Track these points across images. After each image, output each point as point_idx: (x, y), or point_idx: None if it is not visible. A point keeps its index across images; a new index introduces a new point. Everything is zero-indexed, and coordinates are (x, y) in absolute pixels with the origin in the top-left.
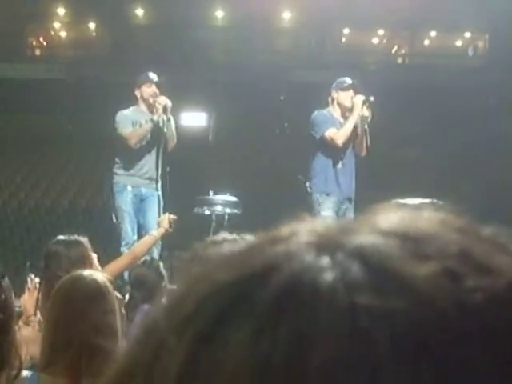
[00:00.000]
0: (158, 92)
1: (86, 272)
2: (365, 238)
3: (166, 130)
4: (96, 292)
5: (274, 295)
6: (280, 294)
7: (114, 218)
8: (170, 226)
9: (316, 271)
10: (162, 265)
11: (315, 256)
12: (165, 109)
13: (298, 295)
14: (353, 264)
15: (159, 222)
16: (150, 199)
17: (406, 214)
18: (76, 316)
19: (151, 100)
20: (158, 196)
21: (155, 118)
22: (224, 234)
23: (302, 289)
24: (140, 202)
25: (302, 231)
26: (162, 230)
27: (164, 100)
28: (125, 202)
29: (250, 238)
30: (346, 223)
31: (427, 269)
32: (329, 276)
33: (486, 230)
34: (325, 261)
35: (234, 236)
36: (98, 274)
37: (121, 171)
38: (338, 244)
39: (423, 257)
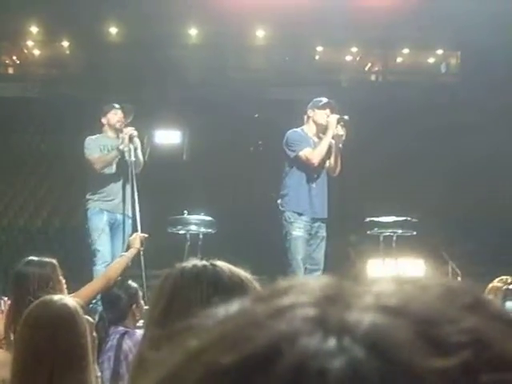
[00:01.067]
0: (122, 117)
1: (56, 297)
2: (373, 318)
3: (134, 158)
4: (66, 317)
5: (280, 383)
6: (286, 383)
7: (89, 239)
8: (142, 245)
9: (323, 359)
10: (134, 285)
11: (321, 340)
12: (131, 138)
13: None
14: (362, 351)
15: (130, 241)
16: (120, 226)
17: (408, 284)
18: (46, 342)
19: (118, 125)
20: (129, 223)
21: (121, 147)
22: (194, 261)
23: (308, 379)
24: (112, 227)
25: (302, 303)
26: (133, 250)
27: (130, 130)
28: (102, 222)
29: (220, 263)
30: (348, 292)
31: (442, 363)
32: (337, 365)
33: (493, 305)
34: (331, 345)
35: (204, 262)
36: (68, 298)
37: (95, 197)
38: (345, 324)
39: (437, 345)
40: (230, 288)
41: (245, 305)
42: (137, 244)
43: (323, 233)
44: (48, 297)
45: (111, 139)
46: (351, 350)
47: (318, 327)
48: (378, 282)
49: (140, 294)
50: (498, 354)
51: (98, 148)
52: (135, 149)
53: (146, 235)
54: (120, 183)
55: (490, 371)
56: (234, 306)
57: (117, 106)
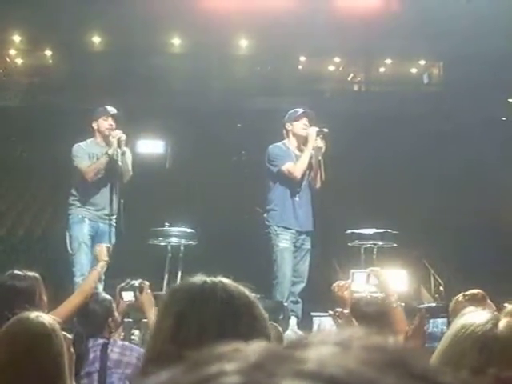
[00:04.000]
0: (114, 125)
1: (33, 315)
2: None
3: (120, 163)
4: (42, 335)
5: None
6: None
7: (69, 248)
8: (109, 256)
9: None
10: (108, 297)
11: None
12: (119, 142)
13: None
14: None
15: (98, 255)
16: (105, 235)
17: (336, 349)
18: (22, 360)
19: (107, 133)
20: (113, 232)
21: (110, 151)
22: (201, 277)
23: None
24: (95, 236)
25: (228, 371)
26: (103, 263)
27: (118, 133)
28: (82, 233)
29: (227, 281)
30: (276, 358)
31: None
32: None
33: (416, 361)
34: None
35: (213, 279)
36: (45, 316)
37: (78, 204)
38: None
39: None
40: (241, 306)
41: (173, 374)
42: (104, 256)
43: (308, 245)
44: (25, 314)
45: (101, 147)
46: None
47: None
48: (306, 345)
49: (114, 306)
50: None
51: (86, 155)
52: (123, 153)
53: (109, 245)
54: (105, 191)
55: None
56: (164, 375)
57: (109, 109)
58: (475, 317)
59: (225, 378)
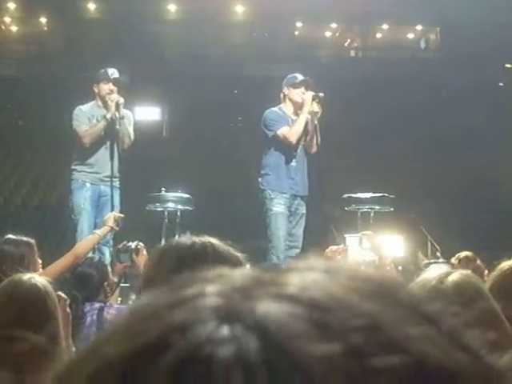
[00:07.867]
0: (114, 89)
1: (26, 276)
2: (269, 307)
3: (119, 127)
4: (36, 297)
5: (167, 373)
6: (173, 373)
7: (72, 214)
8: (118, 225)
9: (212, 347)
10: (102, 261)
11: (214, 328)
12: (117, 106)
13: (191, 375)
14: (252, 339)
15: (105, 220)
16: (108, 197)
17: (321, 275)
18: (16, 322)
19: (106, 97)
20: (117, 194)
21: (108, 115)
22: (189, 237)
23: (195, 368)
24: (98, 199)
25: (207, 293)
26: (106, 229)
27: (116, 97)
28: (83, 198)
29: (215, 241)
30: (258, 282)
31: (327, 348)
32: (224, 352)
33: (402, 292)
34: (223, 334)
35: (203, 239)
36: (38, 277)
37: (79, 168)
38: (240, 313)
39: (327, 331)
40: (231, 267)
41: (151, 296)
42: (110, 223)
43: (303, 210)
44: (17, 276)
45: (102, 109)
46: (241, 338)
47: (214, 316)
48: (292, 270)
49: (109, 269)
50: (389, 338)
51: (86, 119)
52: (122, 117)
53: (122, 215)
54: (105, 153)
55: (379, 354)
56: (144, 297)
57: (110, 73)
58: (430, 272)
59: (202, 300)
